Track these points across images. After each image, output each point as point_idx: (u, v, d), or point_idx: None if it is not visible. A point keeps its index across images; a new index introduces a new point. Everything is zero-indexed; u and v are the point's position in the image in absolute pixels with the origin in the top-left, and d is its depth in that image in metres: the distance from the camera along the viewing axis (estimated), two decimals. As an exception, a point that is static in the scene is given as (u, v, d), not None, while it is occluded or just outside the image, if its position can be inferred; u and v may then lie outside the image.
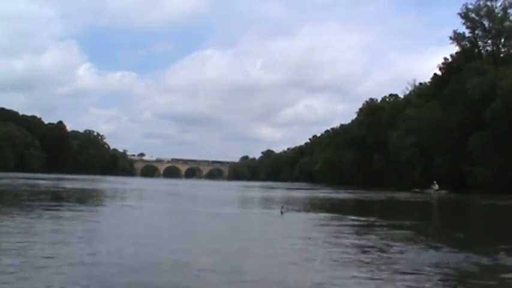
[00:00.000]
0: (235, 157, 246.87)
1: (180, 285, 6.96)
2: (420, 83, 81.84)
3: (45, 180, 50.74)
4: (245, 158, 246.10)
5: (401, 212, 26.22)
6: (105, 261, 8.16)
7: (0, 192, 28.31)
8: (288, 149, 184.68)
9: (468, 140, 55.88)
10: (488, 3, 63.59)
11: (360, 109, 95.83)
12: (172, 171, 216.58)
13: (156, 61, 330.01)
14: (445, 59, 68.83)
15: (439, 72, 69.53)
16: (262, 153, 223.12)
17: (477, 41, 66.30)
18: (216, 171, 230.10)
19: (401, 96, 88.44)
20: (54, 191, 34.27)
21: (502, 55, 64.73)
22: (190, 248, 10.28)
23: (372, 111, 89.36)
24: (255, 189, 58.46)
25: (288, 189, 60.30)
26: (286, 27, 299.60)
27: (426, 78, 76.76)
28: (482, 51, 66.40)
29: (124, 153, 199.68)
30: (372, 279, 7.38)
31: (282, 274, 7.77)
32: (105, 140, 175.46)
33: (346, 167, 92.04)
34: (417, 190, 50.06)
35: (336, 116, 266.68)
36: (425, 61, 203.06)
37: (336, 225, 15.25)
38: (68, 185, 44.17)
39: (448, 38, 66.90)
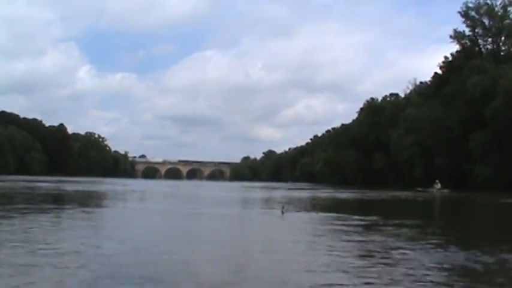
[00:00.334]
0: (236, 158, 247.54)
1: (179, 286, 6.91)
2: (421, 82, 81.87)
3: (46, 183, 50.72)
4: (246, 158, 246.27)
5: (405, 211, 26.07)
6: (103, 264, 8.10)
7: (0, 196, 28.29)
8: (289, 149, 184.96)
9: (469, 138, 55.82)
10: (488, 1, 63.77)
11: (361, 109, 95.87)
12: (173, 172, 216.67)
13: (156, 62, 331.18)
14: (446, 57, 68.87)
15: (439, 71, 69.50)
16: (263, 153, 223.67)
17: (477, 39, 66.26)
18: (218, 172, 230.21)
19: (402, 95, 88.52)
20: (54, 193, 34.22)
21: (502, 53, 64.71)
22: (190, 249, 10.23)
23: (372, 110, 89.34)
24: (256, 190, 58.38)
25: (289, 189, 60.23)
26: (286, 28, 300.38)
27: (427, 77, 76.82)
28: (483, 49, 66.34)
29: (125, 155, 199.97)
30: (378, 280, 7.24)
31: (282, 275, 7.70)
32: (106, 142, 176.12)
33: (347, 167, 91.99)
34: (420, 189, 50.00)
35: (336, 115, 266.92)
36: (426, 60, 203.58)
37: (339, 225, 15.10)
38: (69, 187, 44.14)
39: (449, 37, 67.03)
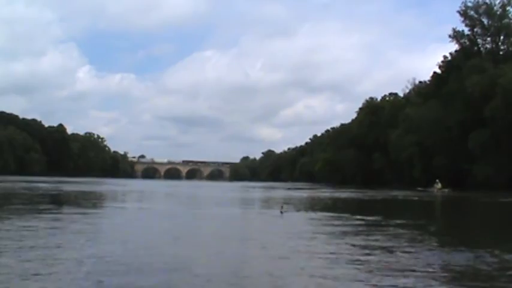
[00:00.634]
0: (235, 158, 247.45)
1: (177, 286, 6.91)
2: (420, 82, 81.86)
3: (45, 184, 50.70)
4: (246, 158, 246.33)
5: (406, 211, 25.92)
6: (99, 264, 8.09)
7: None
8: (289, 149, 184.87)
9: (468, 138, 55.84)
10: (487, 0, 63.79)
11: (360, 108, 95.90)
12: (173, 172, 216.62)
13: (155, 63, 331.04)
14: (445, 57, 68.86)
15: (438, 71, 69.48)
16: (263, 153, 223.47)
17: (476, 39, 66.28)
18: (217, 172, 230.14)
19: (401, 95, 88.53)
20: (53, 194, 34.21)
21: (501, 53, 64.69)
22: (188, 249, 10.23)
23: (372, 110, 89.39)
24: (256, 190, 58.41)
25: (289, 189, 60.22)
26: (286, 28, 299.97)
27: (427, 76, 76.71)
28: (482, 49, 66.35)
29: (124, 156, 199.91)
30: (381, 280, 7.17)
31: (278, 275, 7.70)
32: (105, 143, 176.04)
33: (346, 167, 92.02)
34: (420, 189, 49.97)
35: (336, 115, 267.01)
36: (425, 60, 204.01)
37: (338, 225, 15.01)
38: (68, 188, 44.14)
39: (448, 36, 67.03)
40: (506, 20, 63.59)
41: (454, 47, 67.74)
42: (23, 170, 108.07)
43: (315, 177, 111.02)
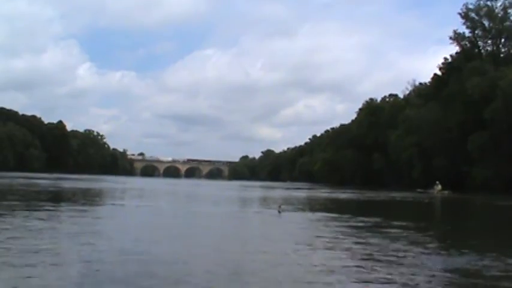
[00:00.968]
0: (235, 157, 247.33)
1: (175, 285, 6.91)
2: (420, 83, 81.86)
3: (44, 180, 50.67)
4: (245, 157, 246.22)
5: (406, 212, 25.79)
6: (96, 263, 8.09)
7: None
8: (288, 148, 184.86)
9: (467, 140, 55.82)
10: (489, 3, 63.63)
11: (360, 109, 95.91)
12: (172, 170, 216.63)
13: (156, 61, 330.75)
14: (445, 59, 68.74)
15: (439, 72, 69.44)
16: (262, 153, 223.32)
17: (477, 41, 66.19)
18: (216, 171, 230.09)
19: (401, 96, 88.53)
20: (52, 191, 34.21)
21: (502, 55, 64.62)
22: (185, 248, 10.23)
23: (371, 111, 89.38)
24: (255, 189, 58.42)
25: (287, 188, 60.25)
26: (286, 27, 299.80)
27: (427, 78, 76.63)
28: (482, 51, 66.26)
29: (124, 153, 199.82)
30: (382, 283, 7.11)
31: (272, 276, 7.69)
32: (105, 140, 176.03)
33: (345, 167, 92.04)
34: (420, 190, 49.93)
35: (335, 116, 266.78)
36: (426, 61, 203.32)
37: (336, 226, 14.80)
38: (67, 184, 44.14)
39: (448, 38, 66.94)
40: (508, 23, 63.47)
41: (454, 48, 67.75)
42: (22, 166, 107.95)
43: (314, 177, 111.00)
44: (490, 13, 63.48)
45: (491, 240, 12.72)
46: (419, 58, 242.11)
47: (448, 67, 66.69)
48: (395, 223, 15.96)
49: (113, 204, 23.85)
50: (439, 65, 69.36)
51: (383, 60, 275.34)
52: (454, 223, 19.82)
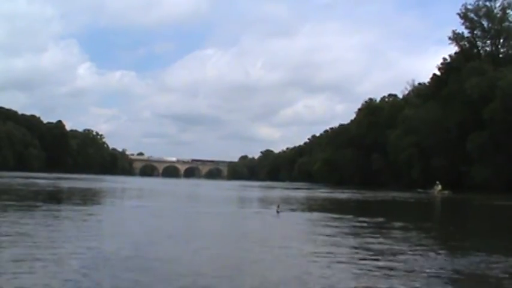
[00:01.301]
0: (234, 157, 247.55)
1: (175, 285, 6.93)
2: (419, 83, 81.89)
3: (43, 180, 50.68)
4: (244, 157, 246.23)
5: (407, 212, 25.70)
6: (94, 262, 8.12)
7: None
8: (287, 148, 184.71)
9: (467, 140, 55.87)
10: (488, 3, 63.68)
11: (359, 109, 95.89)
12: (171, 170, 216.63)
13: (156, 60, 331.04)
14: (444, 59, 68.71)
15: (438, 73, 69.46)
16: (261, 152, 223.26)
17: (476, 41, 66.26)
18: (215, 171, 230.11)
19: (400, 96, 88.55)
20: (51, 190, 34.20)
21: (500, 55, 64.68)
22: (185, 248, 10.25)
23: (371, 111, 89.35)
24: (254, 189, 58.44)
25: (286, 188, 60.26)
26: (286, 27, 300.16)
27: (426, 78, 76.57)
28: (481, 51, 66.33)
29: (123, 153, 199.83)
30: (384, 284, 7.05)
31: (269, 276, 7.72)
32: (104, 140, 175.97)
33: (345, 167, 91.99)
34: (420, 190, 49.88)
35: (335, 116, 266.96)
36: (426, 61, 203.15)
37: (336, 226, 14.71)
38: (66, 184, 44.14)
39: (448, 38, 66.97)
40: (506, 23, 63.55)
41: (453, 49, 67.75)
42: (21, 165, 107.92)
43: (313, 177, 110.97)
44: (489, 13, 63.55)
45: (493, 241, 12.64)
46: (418, 58, 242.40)
47: (447, 67, 66.70)
48: (396, 224, 15.83)
49: (112, 204, 23.88)
50: (438, 65, 69.42)
51: (383, 60, 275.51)
52: (456, 223, 19.67)
